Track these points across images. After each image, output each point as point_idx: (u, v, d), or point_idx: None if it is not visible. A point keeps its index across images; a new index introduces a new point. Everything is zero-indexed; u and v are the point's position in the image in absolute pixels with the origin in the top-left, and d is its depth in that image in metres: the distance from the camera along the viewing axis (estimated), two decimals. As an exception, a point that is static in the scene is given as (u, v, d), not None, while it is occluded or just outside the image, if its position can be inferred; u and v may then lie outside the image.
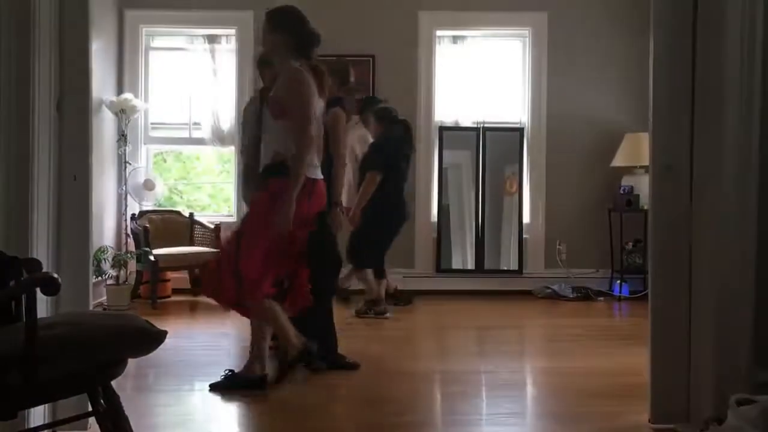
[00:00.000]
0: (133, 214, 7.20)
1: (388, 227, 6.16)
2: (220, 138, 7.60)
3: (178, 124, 7.90)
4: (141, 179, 7.26)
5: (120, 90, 7.38)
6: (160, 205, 7.72)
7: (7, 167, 3.09)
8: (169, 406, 4.05)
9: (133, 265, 7.00)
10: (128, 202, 7.24)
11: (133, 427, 2.64)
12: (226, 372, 4.26)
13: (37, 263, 2.76)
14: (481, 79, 7.62)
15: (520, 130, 7.64)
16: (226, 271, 4.00)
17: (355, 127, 6.55)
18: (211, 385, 4.20)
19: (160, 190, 7.46)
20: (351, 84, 5.17)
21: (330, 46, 7.40)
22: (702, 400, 3.27)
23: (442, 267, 7.55)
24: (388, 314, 6.21)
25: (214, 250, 7.02)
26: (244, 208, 7.38)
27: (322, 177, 4.14)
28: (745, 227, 3.17)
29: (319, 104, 4.11)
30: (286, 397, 4.12)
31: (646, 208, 6.09)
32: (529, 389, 4.38)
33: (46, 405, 3.13)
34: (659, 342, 3.47)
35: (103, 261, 6.52)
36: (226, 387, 4.15)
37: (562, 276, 7.42)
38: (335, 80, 4.80)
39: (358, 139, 6.57)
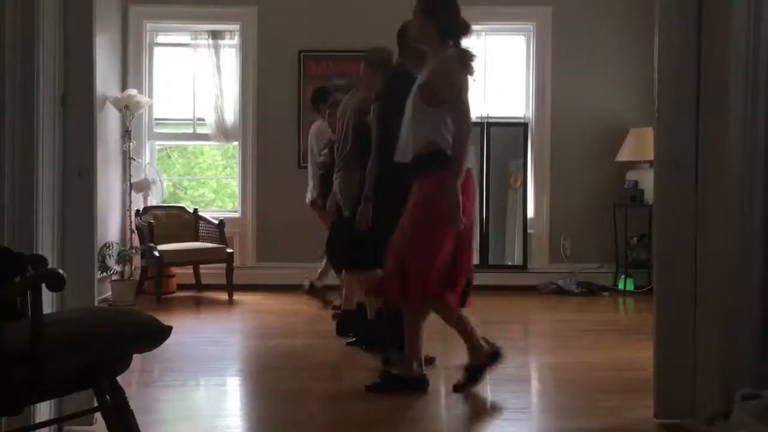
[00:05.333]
0: (138, 210, 7.21)
1: None
2: (224, 134, 7.60)
3: (182, 120, 7.91)
4: (140, 178, 7.27)
5: (124, 86, 7.38)
6: (164, 201, 7.73)
7: (12, 163, 3.09)
8: (174, 401, 4.06)
9: (137, 261, 7.02)
10: (133, 198, 7.25)
11: (139, 422, 2.64)
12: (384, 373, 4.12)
13: (42, 259, 2.77)
14: (485, 73, 7.61)
15: (524, 125, 7.63)
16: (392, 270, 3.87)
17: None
18: (367, 387, 4.03)
19: (158, 189, 7.46)
20: None
21: (331, 43, 7.46)
22: (707, 395, 3.26)
23: (446, 262, 7.54)
24: None
25: (219, 245, 7.04)
26: (249, 203, 7.49)
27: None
28: (751, 221, 3.16)
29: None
30: (290, 390, 4.12)
31: (650, 203, 6.08)
32: (534, 384, 4.38)
33: (52, 400, 3.14)
34: (664, 337, 3.47)
35: (108, 257, 6.54)
36: (384, 388, 3.99)
37: (567, 271, 7.40)
38: None
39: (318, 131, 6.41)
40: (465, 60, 3.82)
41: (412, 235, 3.80)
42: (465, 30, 3.87)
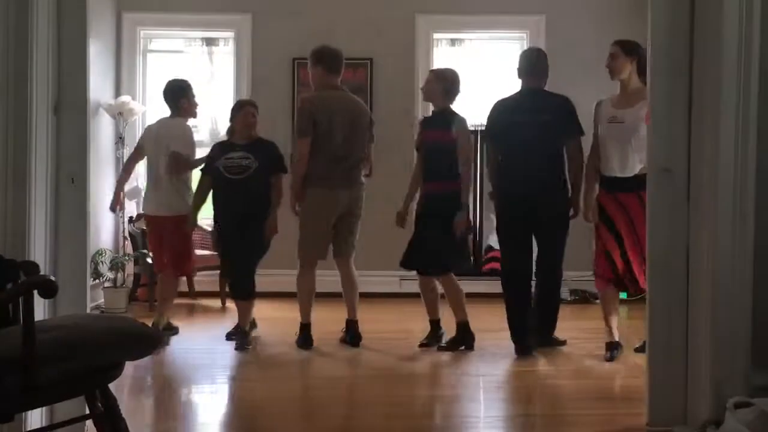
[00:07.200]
0: (131, 217, 7.19)
1: None
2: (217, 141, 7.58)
3: (175, 127, 7.89)
4: (133, 185, 7.24)
5: (118, 93, 7.37)
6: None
7: (5, 170, 3.09)
8: (166, 408, 4.05)
9: (130, 268, 6.99)
10: (126, 205, 7.23)
11: (130, 430, 2.64)
12: None
13: (34, 266, 2.76)
14: (479, 81, 7.62)
15: (518, 133, 7.62)
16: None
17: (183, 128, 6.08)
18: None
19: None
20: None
21: (328, 49, 7.45)
22: (699, 403, 3.27)
23: (439, 270, 7.52)
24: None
25: (211, 253, 7.01)
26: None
27: None
28: (743, 230, 3.17)
29: None
30: (283, 398, 4.12)
31: (643, 210, 6.08)
32: (526, 392, 4.38)
33: (44, 407, 3.12)
34: (657, 344, 3.48)
35: (100, 264, 6.52)
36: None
37: (560, 279, 7.38)
38: None
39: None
40: None
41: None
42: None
